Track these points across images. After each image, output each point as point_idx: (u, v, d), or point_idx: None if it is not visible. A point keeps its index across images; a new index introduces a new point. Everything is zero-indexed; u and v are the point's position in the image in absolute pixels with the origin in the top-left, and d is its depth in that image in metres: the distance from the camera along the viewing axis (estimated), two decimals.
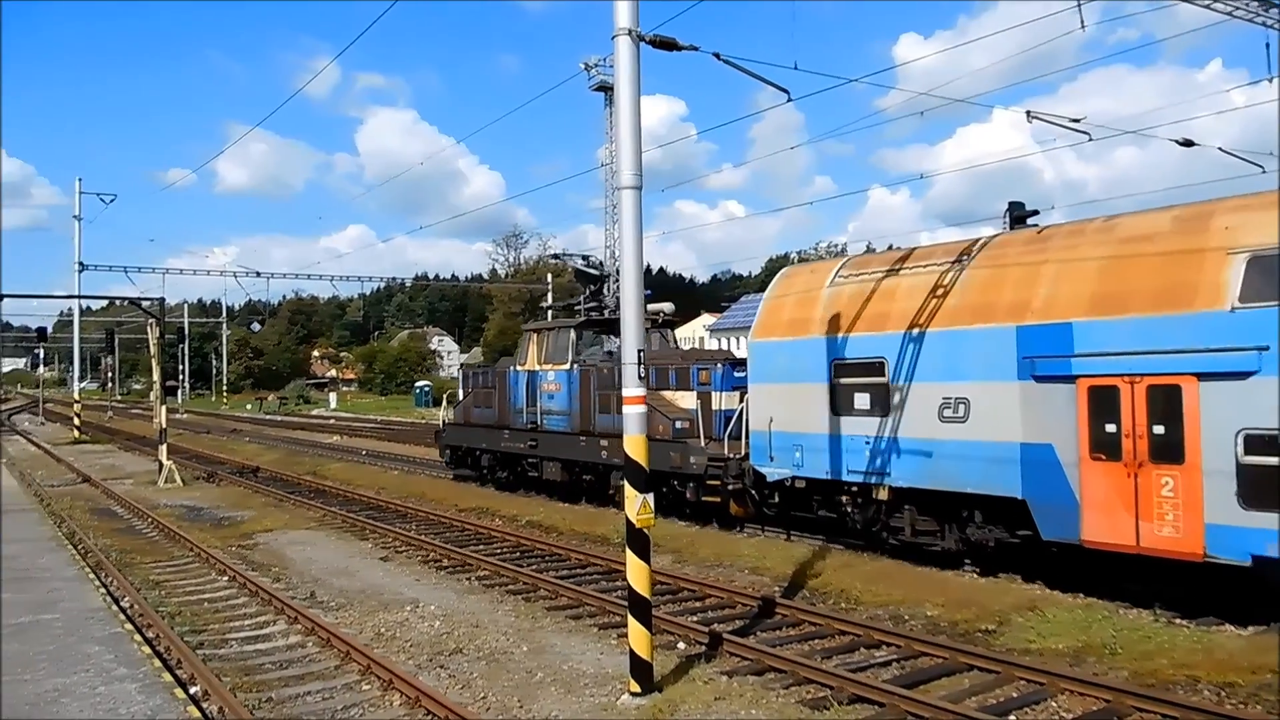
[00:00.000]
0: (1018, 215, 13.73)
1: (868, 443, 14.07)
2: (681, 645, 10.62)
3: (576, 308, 24.67)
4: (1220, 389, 10.33)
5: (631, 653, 8.68)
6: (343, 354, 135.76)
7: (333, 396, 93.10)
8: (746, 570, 14.32)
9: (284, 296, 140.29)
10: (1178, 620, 10.81)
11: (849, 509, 14.95)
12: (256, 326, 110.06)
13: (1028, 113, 14.13)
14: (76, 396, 54.82)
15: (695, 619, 11.65)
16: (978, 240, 13.88)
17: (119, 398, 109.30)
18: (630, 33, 8.95)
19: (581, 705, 8.67)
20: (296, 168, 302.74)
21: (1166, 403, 10.77)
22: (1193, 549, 10.51)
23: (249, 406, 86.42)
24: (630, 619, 8.72)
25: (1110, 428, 11.24)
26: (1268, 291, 10.06)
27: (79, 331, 55.78)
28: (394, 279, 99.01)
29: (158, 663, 9.63)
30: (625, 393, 9.14)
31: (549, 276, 66.20)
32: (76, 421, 48.69)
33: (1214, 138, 17.87)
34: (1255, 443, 10.02)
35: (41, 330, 64.61)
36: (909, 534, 13.98)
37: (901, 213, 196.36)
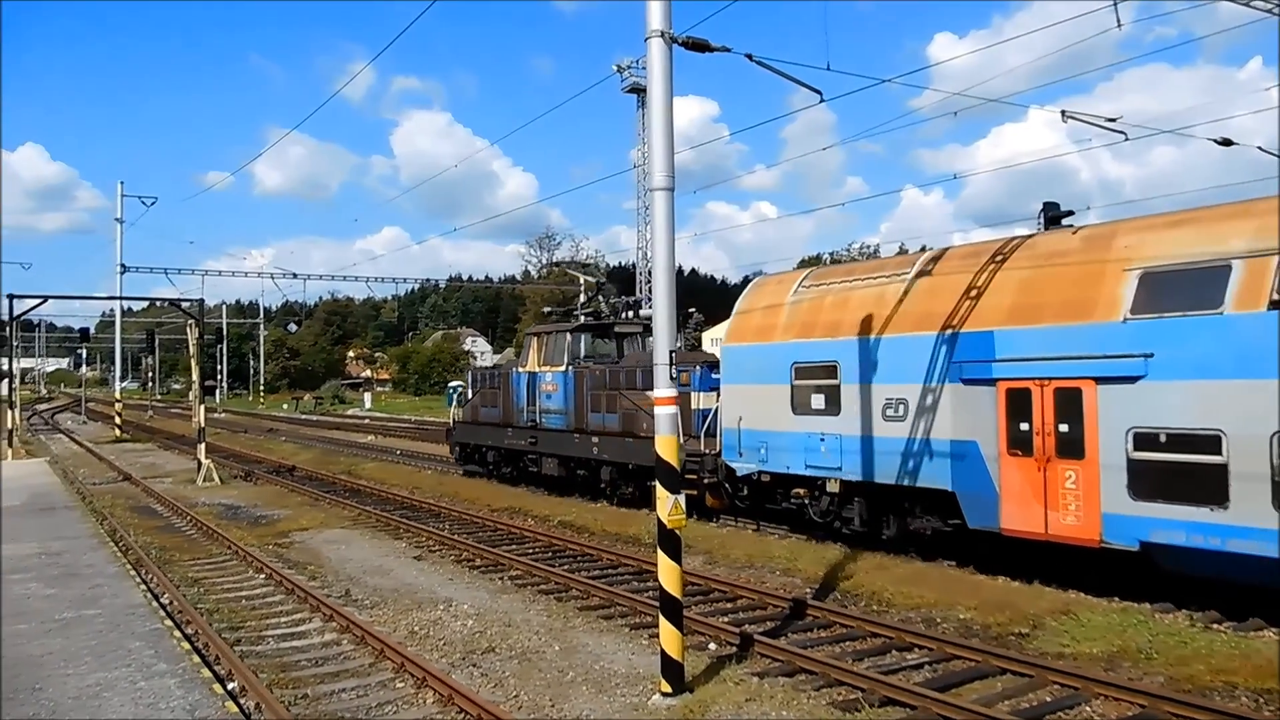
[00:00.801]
0: (1052, 216, 13.59)
1: (822, 440, 15.34)
2: (713, 646, 10.64)
3: (575, 312, 25.89)
4: (1114, 392, 11.50)
5: (663, 653, 8.71)
6: (377, 354, 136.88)
7: (367, 397, 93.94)
8: (778, 571, 14.30)
9: (320, 298, 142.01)
10: (1215, 625, 10.68)
11: (806, 501, 16.10)
12: (293, 327, 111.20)
13: (1063, 112, 13.99)
14: (118, 396, 55.71)
15: (726, 620, 11.67)
16: (921, 255, 15.32)
17: (159, 397, 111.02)
18: (663, 35, 8.98)
19: (613, 705, 8.71)
20: (333, 170, 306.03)
21: (1069, 404, 11.95)
22: (1091, 536, 11.70)
23: (285, 406, 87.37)
24: (661, 619, 8.75)
25: (1024, 426, 12.45)
26: (1154, 304, 11.24)
27: (120, 332, 56.59)
28: (428, 280, 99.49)
29: (196, 659, 9.79)
30: (656, 394, 9.18)
31: (581, 278, 66.36)
32: (118, 420, 49.50)
33: (1253, 137, 17.63)
34: (1142, 440, 11.19)
35: (84, 331, 66.06)
36: (859, 524, 15.10)
37: (935, 213, 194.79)
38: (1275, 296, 10.21)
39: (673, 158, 9.07)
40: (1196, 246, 11.17)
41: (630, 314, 24.92)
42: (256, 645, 10.88)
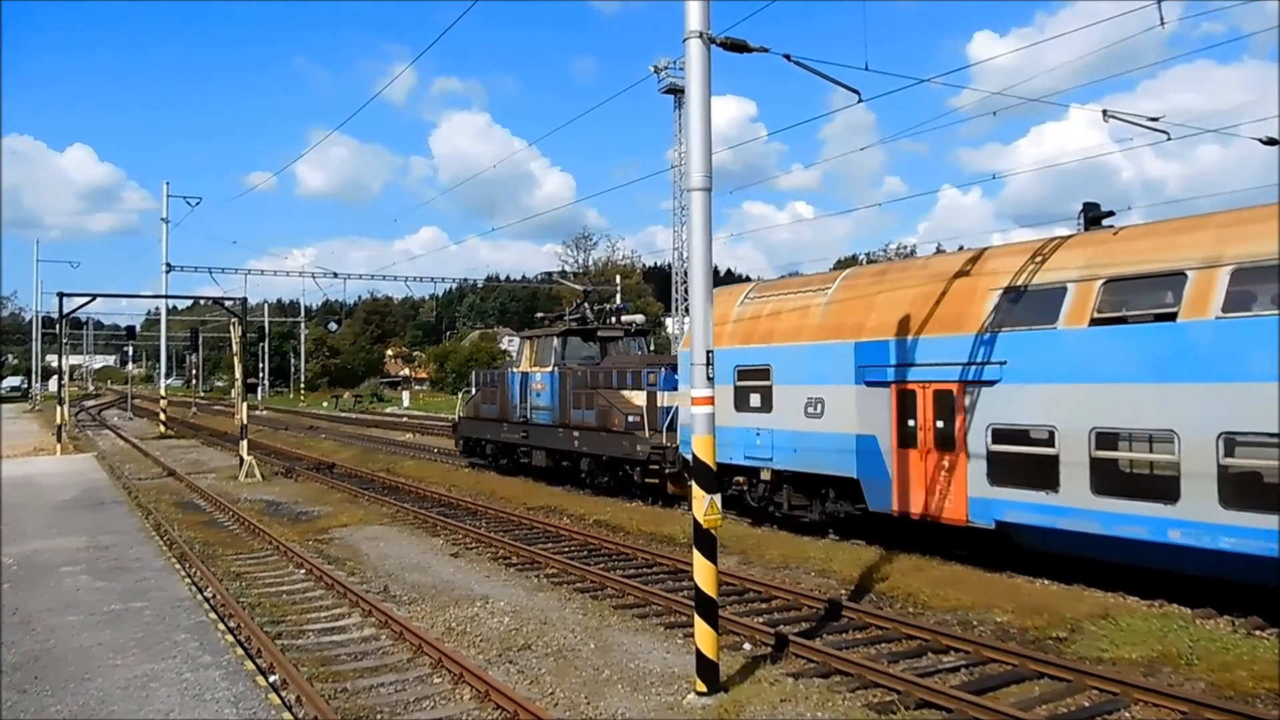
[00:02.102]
0: (1093, 216, 13.42)
1: (757, 434, 17.33)
2: (747, 646, 10.66)
3: (563, 316, 27.88)
4: (977, 393, 13.38)
5: (698, 652, 8.75)
6: (415, 353, 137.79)
7: (405, 395, 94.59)
8: (813, 572, 14.28)
9: (360, 297, 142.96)
10: (1258, 631, 10.52)
11: (745, 488, 18.15)
12: (333, 326, 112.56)
13: (1104, 112, 13.80)
14: (163, 393, 56.57)
15: (761, 620, 11.68)
16: (842, 272, 17.31)
17: (202, 394, 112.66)
18: (701, 35, 8.98)
19: (648, 704, 8.77)
20: (374, 171, 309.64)
21: (945, 404, 13.87)
22: (959, 516, 13.55)
23: (325, 404, 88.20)
24: (697, 619, 8.79)
25: (911, 423, 14.36)
26: (1008, 319, 13.09)
27: (165, 330, 57.56)
28: (465, 280, 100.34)
29: (240, 651, 9.99)
30: (693, 394, 9.21)
31: (617, 278, 66.52)
32: (162, 417, 50.35)
33: None
34: (998, 434, 13.12)
35: (130, 329, 67.18)
36: (786, 509, 17.13)
37: (973, 213, 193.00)
38: (1096, 314, 11.97)
39: (710, 158, 9.07)
40: (1045, 272, 12.96)
41: (613, 319, 26.77)
42: (297, 639, 11.06)
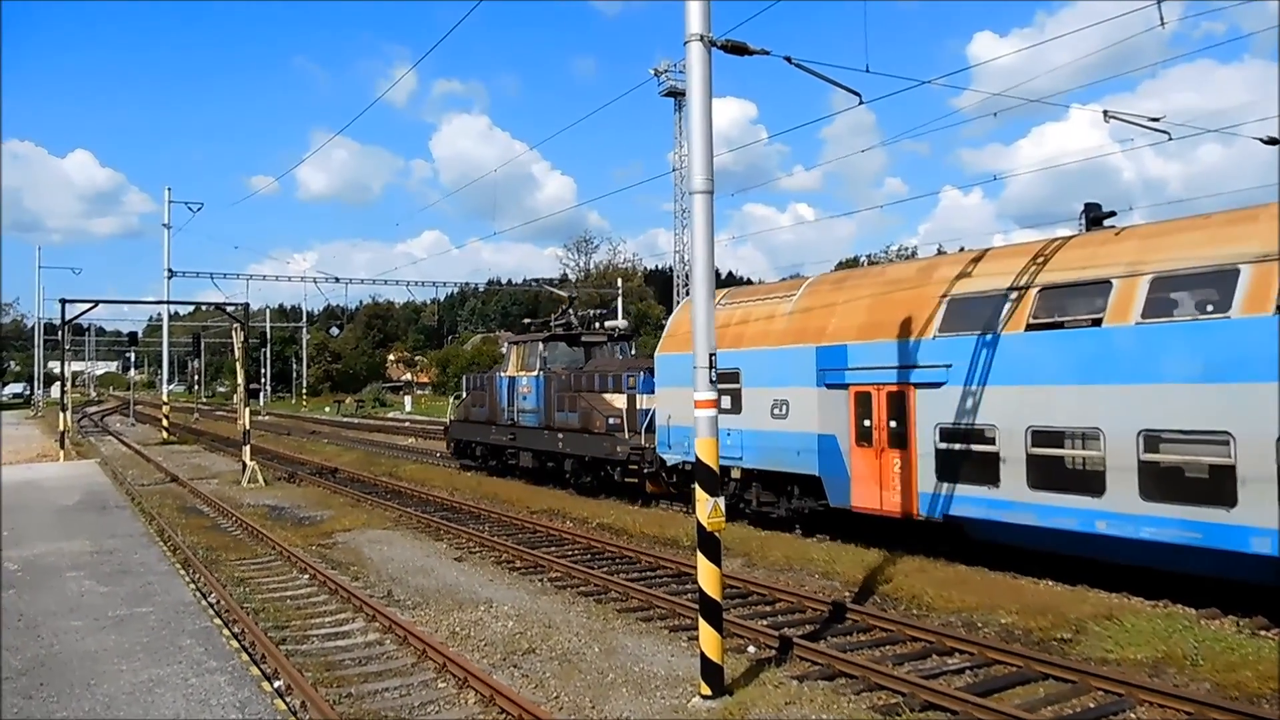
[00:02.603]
0: (1094, 217, 13.44)
1: (728, 435, 17.69)
2: (752, 649, 10.67)
3: (549, 322, 28.82)
4: (926, 395, 14.24)
5: (702, 655, 8.75)
6: (418, 358, 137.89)
7: (408, 399, 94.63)
8: (817, 575, 14.28)
9: (361, 301, 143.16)
10: (1262, 631, 10.51)
11: None
12: (335, 331, 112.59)
13: (1104, 112, 13.80)
14: (165, 399, 56.61)
15: (765, 623, 11.68)
16: (805, 280, 18.39)
17: (205, 400, 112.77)
18: (702, 38, 8.98)
19: (653, 707, 8.77)
20: (376, 174, 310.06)
21: (898, 404, 14.71)
22: (910, 510, 14.42)
23: (328, 409, 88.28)
24: (701, 622, 8.79)
25: (867, 422, 15.26)
26: (955, 325, 13.92)
27: (168, 336, 57.59)
28: (467, 283, 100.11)
29: (245, 656, 10.00)
30: (697, 397, 9.20)
31: (619, 281, 66.57)
32: (165, 423, 50.32)
33: None
34: (945, 433, 13.90)
35: (133, 335, 67.43)
36: (755, 505, 18.01)
37: (975, 214, 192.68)
38: (1032, 320, 12.78)
39: (712, 161, 9.07)
40: (987, 280, 13.84)
41: (597, 325, 28.05)
42: (302, 644, 11.06)
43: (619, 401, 22.53)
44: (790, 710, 8.42)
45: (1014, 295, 13.20)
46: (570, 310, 28.63)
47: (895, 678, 9.32)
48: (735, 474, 18.27)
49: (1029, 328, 12.85)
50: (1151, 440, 11.38)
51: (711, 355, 9.08)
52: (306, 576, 14.84)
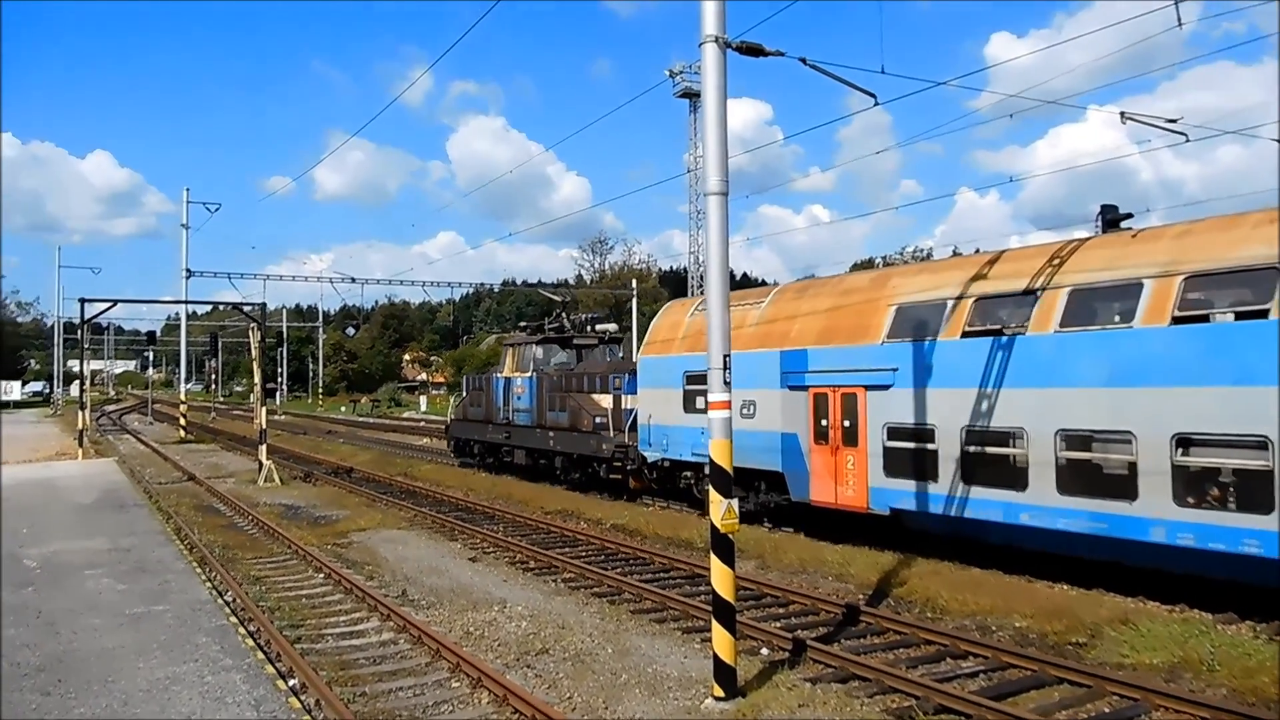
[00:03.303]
0: (1111, 218, 13.37)
1: (703, 433, 17.91)
2: (765, 651, 10.66)
3: (544, 325, 29.87)
4: (875, 396, 15.26)
5: (715, 657, 8.75)
6: (433, 358, 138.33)
7: (423, 399, 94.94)
8: (831, 577, 14.26)
9: (377, 301, 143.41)
10: None
11: (693, 481, 20.26)
12: (351, 331, 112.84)
13: (1121, 114, 13.73)
14: (182, 398, 56.95)
15: (779, 625, 11.67)
16: (774, 288, 19.35)
17: (221, 399, 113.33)
18: (717, 40, 8.98)
19: (666, 708, 8.77)
20: (392, 175, 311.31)
21: (851, 405, 15.77)
22: (861, 504, 15.49)
23: (343, 409, 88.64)
24: (714, 623, 8.79)
25: (824, 422, 16.30)
26: (900, 331, 14.97)
27: (185, 335, 57.93)
28: (483, 284, 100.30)
29: (261, 655, 10.06)
30: (711, 398, 9.21)
31: (634, 282, 66.59)
32: (182, 422, 50.62)
33: None
34: (891, 432, 14.95)
35: (151, 334, 67.72)
36: None
37: (991, 215, 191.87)
38: (967, 328, 13.85)
39: (727, 162, 9.07)
40: (931, 290, 14.86)
41: (589, 328, 29.13)
42: (316, 643, 11.11)
43: (605, 401, 23.67)
44: (803, 712, 8.41)
45: (952, 304, 14.28)
46: (563, 314, 30.00)
47: (909, 680, 9.29)
48: (708, 470, 18.58)
49: (964, 335, 13.91)
50: (1065, 438, 12.44)
51: (726, 356, 9.08)
52: (322, 575, 14.91)
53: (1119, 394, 11.81)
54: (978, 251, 17.72)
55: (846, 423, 15.80)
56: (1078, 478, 12.34)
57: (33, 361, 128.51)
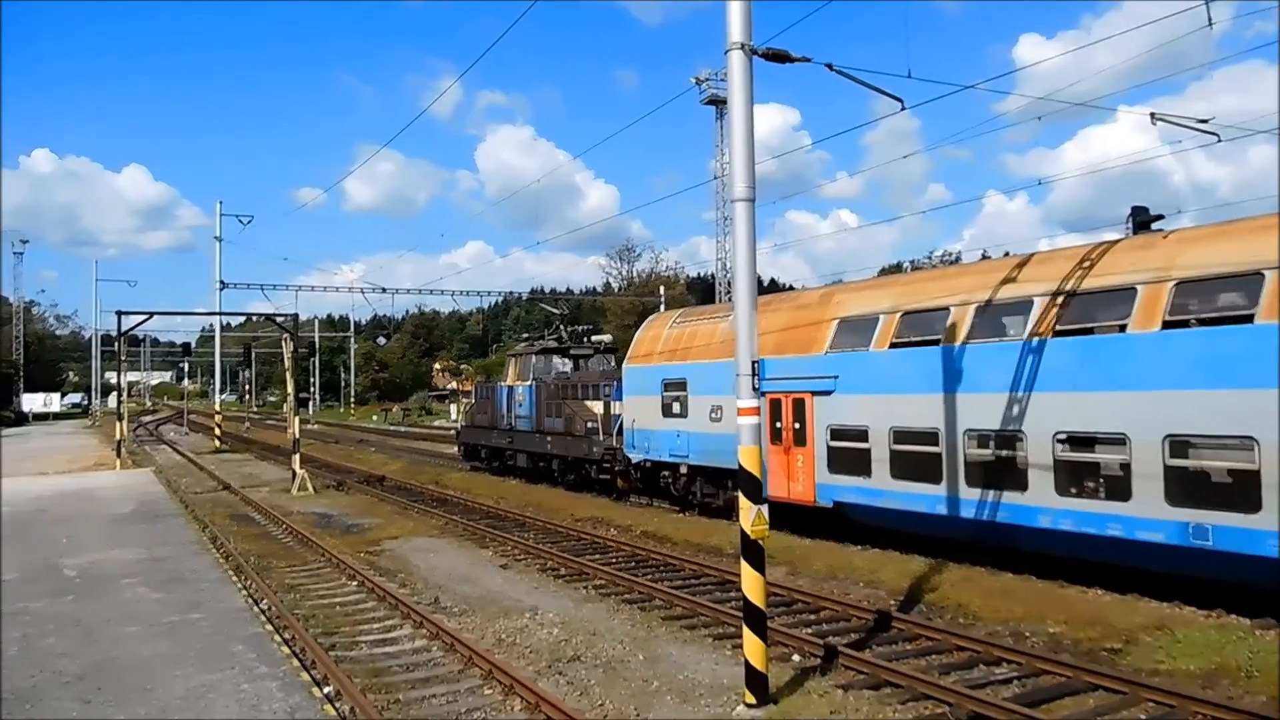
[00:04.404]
0: (1141, 220, 13.23)
1: (678, 436, 21.20)
2: (796, 657, 10.64)
3: (544, 336, 32.53)
4: (821, 401, 16.95)
5: (747, 664, 8.75)
6: (463, 366, 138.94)
7: (453, 408, 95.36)
8: (861, 583, 14.19)
9: (408, 311, 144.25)
10: None
11: (670, 481, 21.93)
12: (382, 340, 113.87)
13: (1152, 115, 13.61)
14: (217, 408, 57.58)
15: (810, 631, 11.64)
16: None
17: (256, 409, 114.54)
18: (743, 46, 9.01)
19: (697, 715, 8.78)
20: (421, 186, 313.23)
21: (800, 410, 17.37)
22: (809, 499, 17.09)
23: (375, 418, 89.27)
24: (745, 630, 8.79)
25: (779, 424, 17.82)
26: (841, 342, 16.73)
27: (220, 346, 58.57)
28: (511, 293, 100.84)
29: (296, 663, 10.16)
30: (740, 404, 9.23)
31: (661, 289, 66.60)
32: (217, 432, 51.22)
33: None
34: (834, 433, 16.62)
35: (186, 345, 68.74)
36: (700, 497, 20.87)
37: (1019, 219, 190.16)
38: (894, 339, 15.49)
39: (753, 169, 9.11)
40: (869, 305, 16.57)
41: (586, 339, 31.50)
42: (350, 651, 11.22)
43: (597, 408, 25.55)
44: (835, 719, 8.38)
45: (884, 318, 15.99)
46: (561, 325, 32.48)
47: (941, 687, 9.24)
48: (683, 470, 21.26)
49: (892, 345, 15.65)
50: (973, 437, 14.04)
51: (755, 363, 9.09)
52: (355, 583, 15.04)
53: (1013, 399, 13.46)
54: (1007, 255, 17.88)
55: (797, 425, 17.39)
56: (983, 471, 13.91)
57: (71, 373, 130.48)
